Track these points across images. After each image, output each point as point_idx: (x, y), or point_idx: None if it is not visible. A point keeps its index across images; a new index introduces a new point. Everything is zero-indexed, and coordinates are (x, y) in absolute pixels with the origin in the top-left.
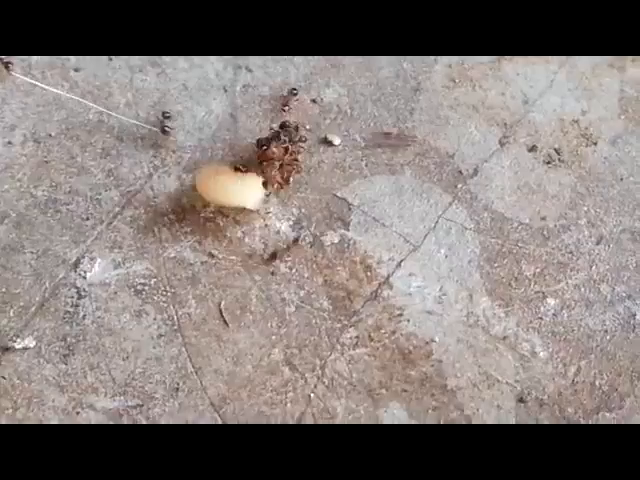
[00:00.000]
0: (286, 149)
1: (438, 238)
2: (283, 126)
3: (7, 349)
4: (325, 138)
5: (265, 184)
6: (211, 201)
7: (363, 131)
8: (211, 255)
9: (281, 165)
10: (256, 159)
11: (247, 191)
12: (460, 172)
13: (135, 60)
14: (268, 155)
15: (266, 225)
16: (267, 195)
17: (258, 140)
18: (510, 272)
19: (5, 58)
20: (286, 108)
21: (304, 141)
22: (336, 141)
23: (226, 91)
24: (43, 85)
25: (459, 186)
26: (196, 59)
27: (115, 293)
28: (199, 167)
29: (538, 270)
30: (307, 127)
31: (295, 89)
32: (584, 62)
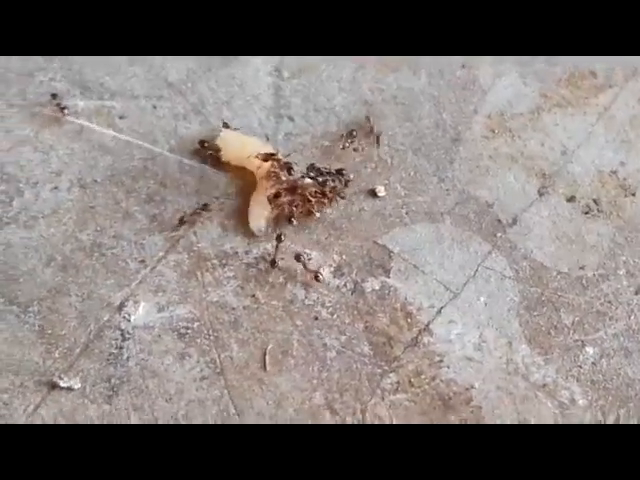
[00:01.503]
0: (319, 185)
1: (478, 286)
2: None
3: (52, 388)
4: (370, 188)
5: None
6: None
7: (403, 180)
8: (253, 299)
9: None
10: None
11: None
12: (499, 221)
13: (179, 108)
14: (291, 184)
15: (308, 271)
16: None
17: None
18: (549, 320)
19: (61, 102)
20: (343, 147)
21: (342, 186)
22: (381, 192)
23: (268, 139)
24: (94, 126)
25: (498, 235)
26: (239, 108)
27: (159, 336)
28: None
29: (577, 319)
30: (350, 176)
31: (354, 130)
32: (622, 114)
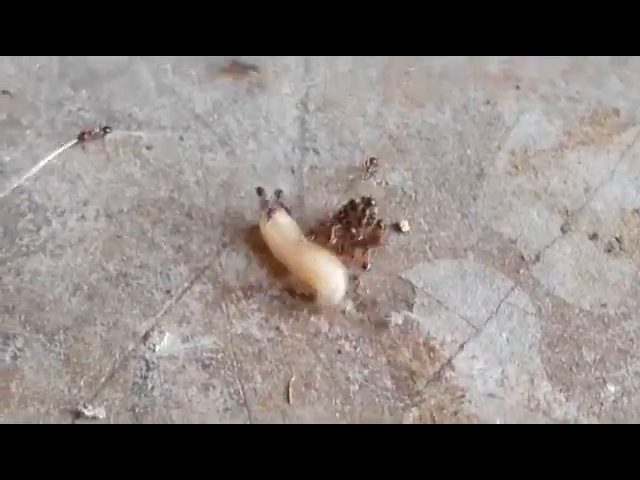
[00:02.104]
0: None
1: (500, 322)
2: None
3: (77, 417)
4: (394, 222)
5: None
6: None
7: (427, 215)
8: (278, 332)
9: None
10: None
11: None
12: (522, 258)
13: (205, 140)
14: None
15: (332, 305)
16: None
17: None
18: (571, 357)
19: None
20: (365, 176)
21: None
22: (405, 227)
23: (293, 172)
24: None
25: (521, 271)
26: (265, 140)
27: (183, 366)
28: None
29: (599, 356)
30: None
31: (374, 158)
32: None
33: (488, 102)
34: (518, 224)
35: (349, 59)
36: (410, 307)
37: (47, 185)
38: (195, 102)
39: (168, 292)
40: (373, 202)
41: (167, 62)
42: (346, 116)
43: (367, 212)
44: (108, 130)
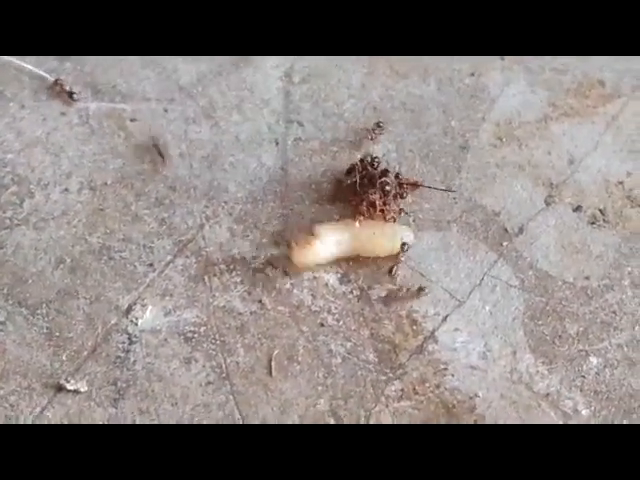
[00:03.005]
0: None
1: (483, 295)
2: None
3: (59, 391)
4: None
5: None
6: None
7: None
8: (260, 305)
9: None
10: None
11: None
12: (506, 230)
13: (189, 112)
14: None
15: (314, 277)
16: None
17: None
18: (554, 330)
19: (66, 86)
20: (371, 138)
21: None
22: None
23: (277, 144)
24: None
25: (505, 244)
26: (249, 112)
27: (165, 340)
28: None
29: (581, 329)
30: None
31: (381, 122)
32: (630, 123)
33: (472, 74)
34: (502, 196)
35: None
36: (393, 280)
37: (31, 158)
38: (180, 74)
39: (151, 265)
40: (377, 159)
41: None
42: (330, 88)
43: (379, 170)
44: (75, 96)
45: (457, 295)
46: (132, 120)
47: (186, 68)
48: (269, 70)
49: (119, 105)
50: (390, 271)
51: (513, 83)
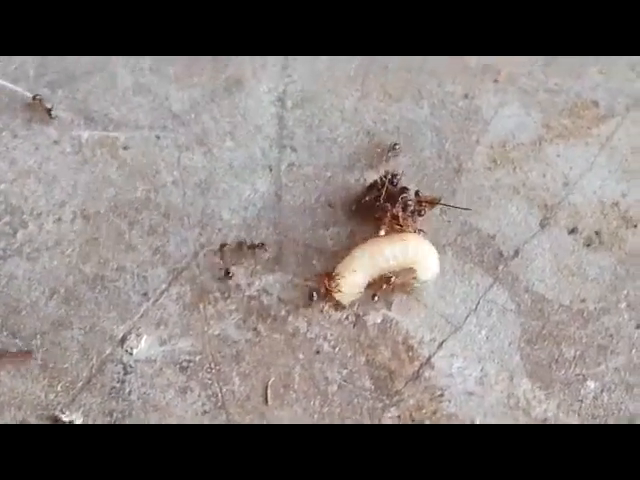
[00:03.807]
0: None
1: (479, 319)
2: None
3: (55, 422)
4: None
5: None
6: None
7: None
8: (255, 333)
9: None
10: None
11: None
12: (501, 253)
13: (182, 139)
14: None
15: (309, 304)
16: None
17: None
18: (550, 354)
19: (46, 103)
20: (385, 158)
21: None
22: None
23: (271, 170)
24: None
25: (500, 267)
26: (242, 139)
27: (161, 369)
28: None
29: (578, 353)
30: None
31: (397, 144)
32: (624, 144)
33: (466, 96)
34: (497, 219)
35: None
36: (388, 305)
37: (24, 187)
38: (172, 101)
39: (145, 294)
40: (398, 176)
41: (144, 61)
42: (324, 113)
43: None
44: (52, 113)
45: (453, 320)
46: (125, 148)
47: (178, 95)
48: (262, 95)
49: (112, 133)
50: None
51: (507, 105)
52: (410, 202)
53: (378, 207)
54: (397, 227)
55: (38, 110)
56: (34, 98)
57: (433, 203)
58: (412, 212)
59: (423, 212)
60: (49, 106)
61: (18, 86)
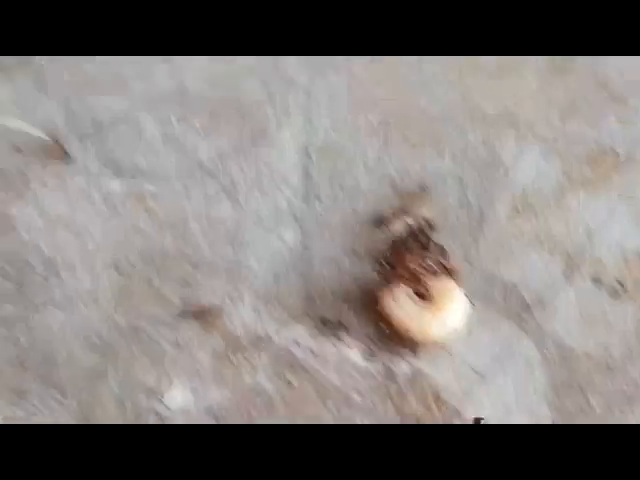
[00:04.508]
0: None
1: (505, 368)
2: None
3: None
4: None
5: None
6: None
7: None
8: (287, 383)
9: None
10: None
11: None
12: (526, 302)
13: (210, 190)
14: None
15: (339, 355)
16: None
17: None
18: (577, 403)
19: (65, 145)
20: (409, 206)
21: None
22: None
23: (297, 220)
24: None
25: (525, 317)
26: (269, 189)
27: (194, 418)
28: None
29: (605, 402)
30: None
31: (425, 186)
32: None
33: (485, 144)
34: (520, 268)
35: (350, 105)
36: (416, 356)
37: (55, 237)
38: (199, 151)
39: (177, 344)
40: (429, 228)
41: (171, 112)
42: (348, 162)
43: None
44: (68, 153)
45: (479, 370)
46: (153, 198)
47: (205, 146)
48: (286, 146)
49: (140, 183)
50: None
51: (527, 153)
52: (430, 258)
53: (401, 261)
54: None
55: (57, 152)
56: (56, 142)
57: (450, 271)
58: (429, 268)
59: (438, 272)
60: (66, 147)
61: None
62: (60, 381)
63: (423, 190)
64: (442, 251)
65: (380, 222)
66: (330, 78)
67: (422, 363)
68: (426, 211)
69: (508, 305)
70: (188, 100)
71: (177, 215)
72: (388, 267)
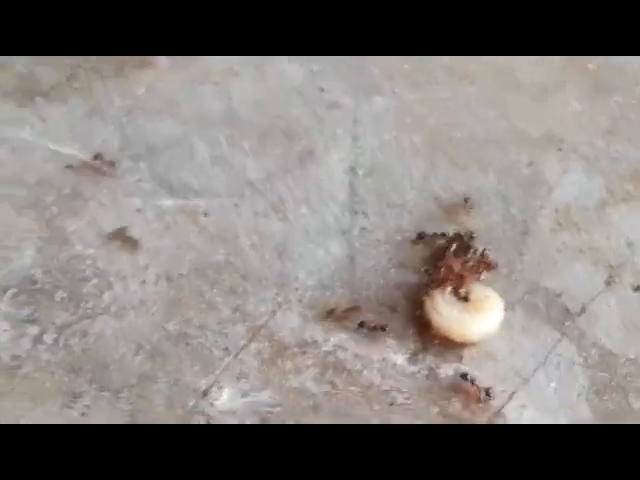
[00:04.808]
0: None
1: (548, 372)
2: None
3: None
4: None
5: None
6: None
7: None
8: (332, 386)
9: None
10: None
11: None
12: (568, 310)
13: (259, 206)
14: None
15: (383, 359)
16: None
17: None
18: (619, 405)
19: (107, 157)
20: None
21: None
22: None
23: (344, 234)
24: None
25: (567, 323)
26: (316, 205)
27: (242, 420)
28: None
29: None
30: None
31: (468, 197)
32: None
33: (531, 164)
34: (563, 278)
35: (394, 127)
36: (460, 359)
37: (110, 252)
38: (248, 171)
39: (226, 350)
40: (474, 235)
41: (220, 134)
42: (393, 180)
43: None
44: (114, 166)
45: (522, 373)
46: (205, 215)
47: (254, 166)
48: (334, 165)
49: (192, 201)
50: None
51: (570, 172)
52: (470, 259)
53: (444, 262)
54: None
55: (102, 168)
56: (95, 158)
57: (491, 267)
58: (470, 267)
59: (481, 270)
60: (112, 160)
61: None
62: (112, 384)
63: (467, 206)
64: (482, 252)
65: (424, 235)
66: (375, 101)
67: (465, 365)
68: (470, 225)
69: (551, 312)
70: (237, 123)
71: (227, 230)
72: (432, 270)
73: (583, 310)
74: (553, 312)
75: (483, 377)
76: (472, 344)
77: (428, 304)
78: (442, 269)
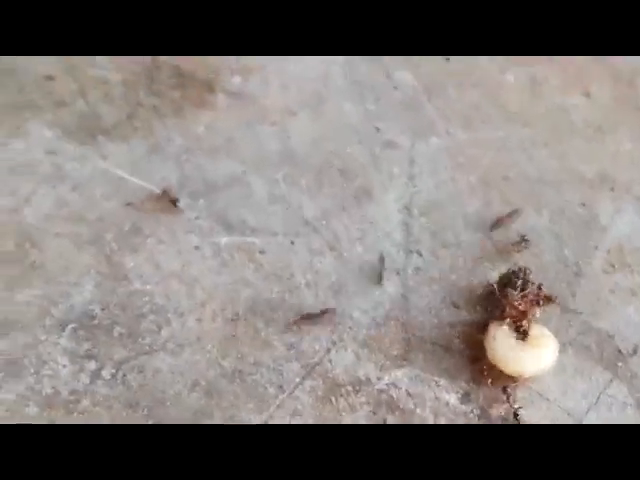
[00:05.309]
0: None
1: (600, 413)
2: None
3: None
4: None
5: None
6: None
7: None
8: (384, 422)
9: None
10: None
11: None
12: (620, 351)
13: (315, 244)
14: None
15: (436, 397)
16: None
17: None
18: None
19: (171, 193)
20: (517, 250)
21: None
22: None
23: (398, 274)
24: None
25: (619, 364)
26: (371, 244)
27: None
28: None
29: None
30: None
31: (525, 236)
32: None
33: (584, 204)
34: (615, 320)
35: (449, 166)
36: (512, 399)
37: (167, 288)
38: (305, 209)
39: (281, 387)
40: (528, 271)
41: (278, 172)
42: (448, 219)
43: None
44: (178, 204)
45: (575, 414)
46: (261, 252)
47: (310, 204)
48: (389, 204)
49: (249, 239)
50: (505, 390)
51: (623, 212)
52: (529, 292)
53: (505, 296)
54: (515, 314)
55: (166, 202)
56: (164, 193)
57: (549, 299)
58: (530, 301)
59: (540, 303)
60: (176, 197)
61: (162, 196)
62: (168, 420)
63: (522, 245)
64: (539, 286)
65: (479, 274)
66: (431, 141)
67: (517, 406)
68: (524, 263)
69: (603, 353)
70: (294, 161)
71: (283, 268)
72: (490, 306)
73: (635, 351)
74: (605, 353)
75: (534, 417)
76: (524, 381)
77: (488, 338)
78: (504, 303)
